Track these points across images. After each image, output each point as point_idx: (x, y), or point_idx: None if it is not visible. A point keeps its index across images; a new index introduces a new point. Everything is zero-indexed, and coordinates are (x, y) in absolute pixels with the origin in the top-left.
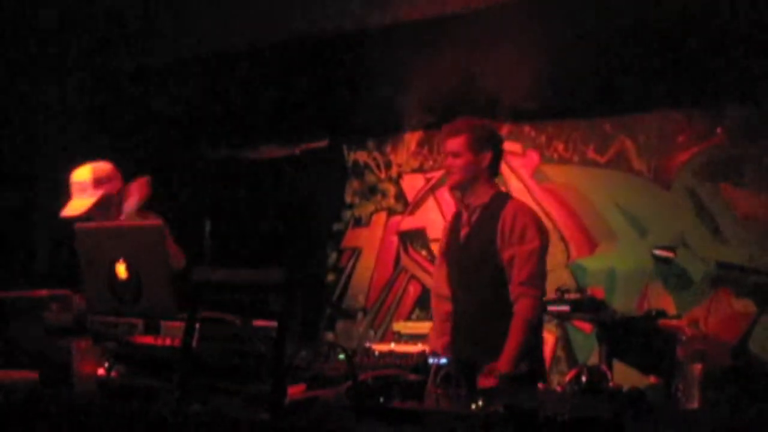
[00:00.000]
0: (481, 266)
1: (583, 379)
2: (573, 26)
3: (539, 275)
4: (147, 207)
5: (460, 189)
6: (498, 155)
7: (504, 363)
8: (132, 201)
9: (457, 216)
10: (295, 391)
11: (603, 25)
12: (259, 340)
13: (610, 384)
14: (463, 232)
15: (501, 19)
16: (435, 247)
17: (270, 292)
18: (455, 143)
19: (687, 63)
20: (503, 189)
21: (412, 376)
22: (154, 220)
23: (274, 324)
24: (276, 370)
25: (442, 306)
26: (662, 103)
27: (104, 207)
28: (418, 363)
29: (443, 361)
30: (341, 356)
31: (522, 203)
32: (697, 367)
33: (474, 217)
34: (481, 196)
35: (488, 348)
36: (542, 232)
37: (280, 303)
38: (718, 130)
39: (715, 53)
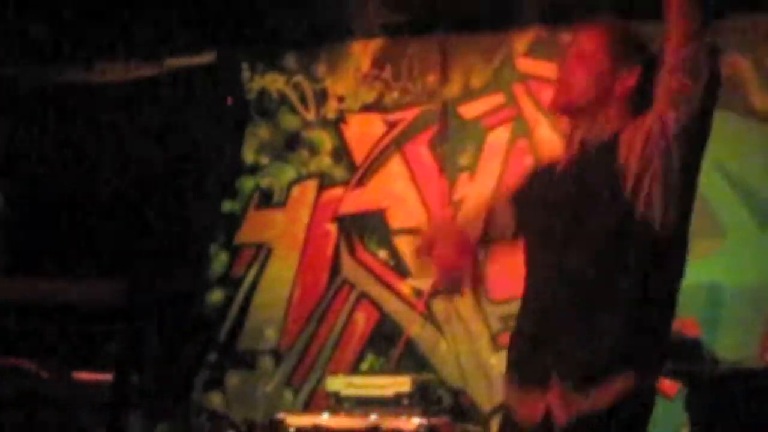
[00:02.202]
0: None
1: None
2: None
3: None
4: None
5: (572, 111)
6: (649, 80)
7: None
8: None
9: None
10: None
11: None
12: (84, 406)
13: None
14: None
15: None
16: (402, 244)
17: (103, 323)
18: (586, 40)
19: None
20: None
21: None
22: None
23: (108, 378)
24: None
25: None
26: None
27: None
28: None
29: None
30: None
31: None
32: None
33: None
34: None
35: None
36: None
37: (120, 341)
38: None
39: None
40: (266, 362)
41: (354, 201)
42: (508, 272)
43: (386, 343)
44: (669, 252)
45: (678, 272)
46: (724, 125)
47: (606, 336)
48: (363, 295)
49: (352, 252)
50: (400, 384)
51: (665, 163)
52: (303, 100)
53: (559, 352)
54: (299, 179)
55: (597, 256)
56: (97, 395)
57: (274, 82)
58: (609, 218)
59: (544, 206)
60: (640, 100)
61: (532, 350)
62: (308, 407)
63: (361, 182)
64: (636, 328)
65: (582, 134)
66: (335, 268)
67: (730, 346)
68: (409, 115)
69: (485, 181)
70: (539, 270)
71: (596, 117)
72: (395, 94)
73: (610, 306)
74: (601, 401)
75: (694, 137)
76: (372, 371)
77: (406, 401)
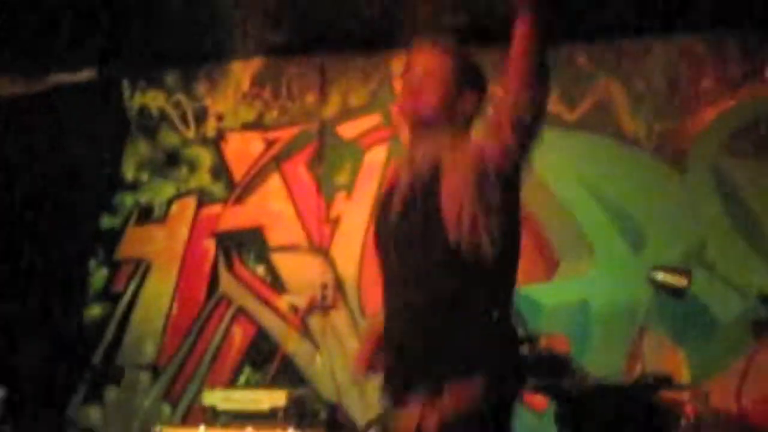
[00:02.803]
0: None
1: None
2: None
3: None
4: None
5: (419, 121)
6: (480, 106)
7: None
8: None
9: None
10: None
11: None
12: None
13: None
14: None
15: None
16: (280, 260)
17: None
18: (433, 59)
19: None
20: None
21: None
22: None
23: None
24: None
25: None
26: (673, 24)
27: None
28: None
29: None
30: None
31: None
32: None
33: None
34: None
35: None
36: None
37: None
38: None
39: None
40: (144, 377)
41: (232, 218)
42: (381, 287)
43: (263, 358)
44: (498, 266)
45: (510, 281)
46: (595, 148)
47: (455, 348)
48: (240, 310)
49: (230, 268)
50: (276, 398)
51: (492, 191)
52: (183, 117)
53: (414, 366)
54: (179, 196)
55: (430, 283)
56: None
57: (155, 100)
58: (435, 250)
59: (386, 243)
60: (472, 123)
61: (394, 365)
62: (185, 421)
63: (239, 199)
64: (481, 340)
65: (415, 155)
66: (213, 284)
67: (598, 363)
68: (287, 134)
69: (362, 199)
70: (388, 298)
71: (436, 135)
72: (274, 113)
73: (452, 325)
74: (453, 405)
75: (527, 159)
76: (249, 385)
77: (281, 415)
